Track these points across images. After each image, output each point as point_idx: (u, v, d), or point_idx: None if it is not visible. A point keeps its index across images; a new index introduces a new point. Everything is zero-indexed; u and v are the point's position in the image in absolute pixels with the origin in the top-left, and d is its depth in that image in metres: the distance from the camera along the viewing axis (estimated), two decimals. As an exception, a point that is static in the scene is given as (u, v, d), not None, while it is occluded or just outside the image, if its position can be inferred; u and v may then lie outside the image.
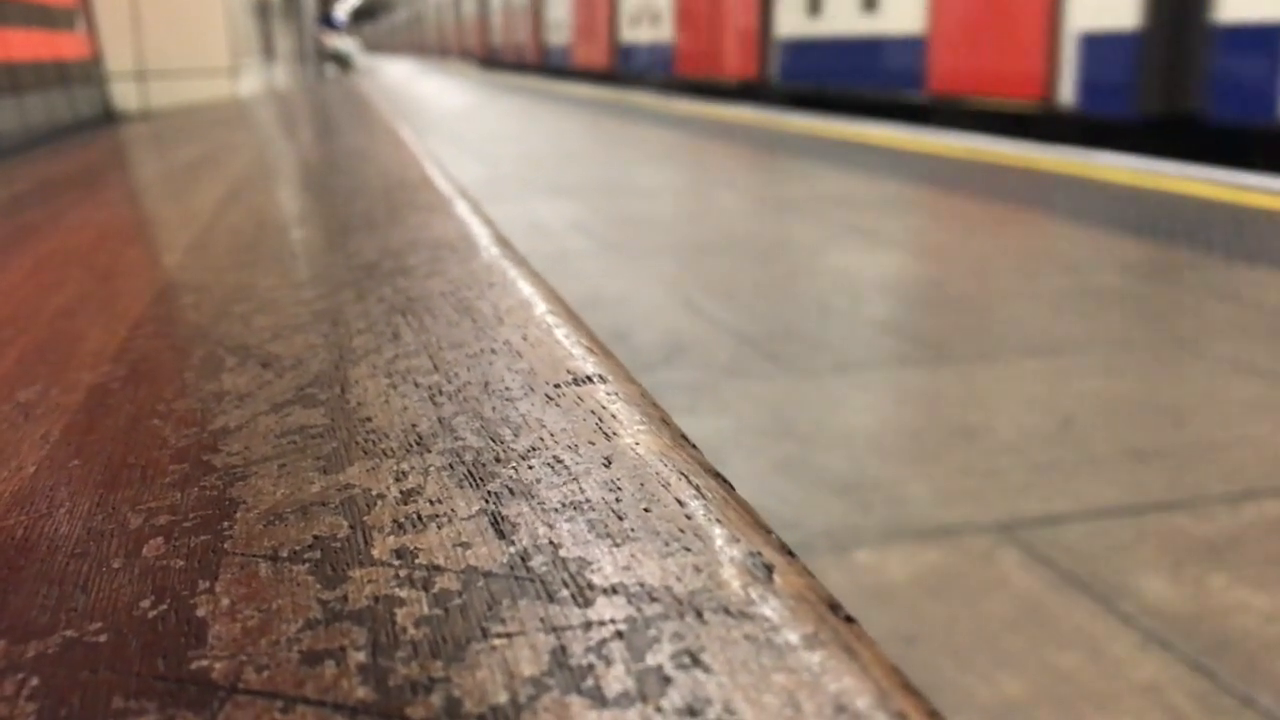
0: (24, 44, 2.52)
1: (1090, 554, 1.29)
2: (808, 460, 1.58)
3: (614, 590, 0.24)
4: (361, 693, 0.22)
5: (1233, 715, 1.00)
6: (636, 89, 12.49)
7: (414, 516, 0.30)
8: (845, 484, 1.50)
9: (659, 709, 0.20)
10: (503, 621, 0.24)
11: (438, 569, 0.27)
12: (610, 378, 0.39)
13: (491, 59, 23.05)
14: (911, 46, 6.88)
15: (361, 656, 0.24)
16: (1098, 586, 1.22)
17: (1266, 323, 2.18)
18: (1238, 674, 1.06)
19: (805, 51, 8.66)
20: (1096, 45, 5.24)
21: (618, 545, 0.27)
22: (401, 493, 0.32)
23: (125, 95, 3.59)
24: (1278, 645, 1.10)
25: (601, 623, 0.23)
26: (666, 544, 0.26)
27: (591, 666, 0.22)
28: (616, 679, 0.21)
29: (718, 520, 0.27)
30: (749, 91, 10.08)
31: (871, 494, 1.46)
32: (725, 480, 0.30)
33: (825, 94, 8.52)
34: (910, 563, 1.28)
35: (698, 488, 0.29)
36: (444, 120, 8.36)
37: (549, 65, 17.23)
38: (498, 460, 0.33)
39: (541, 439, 0.34)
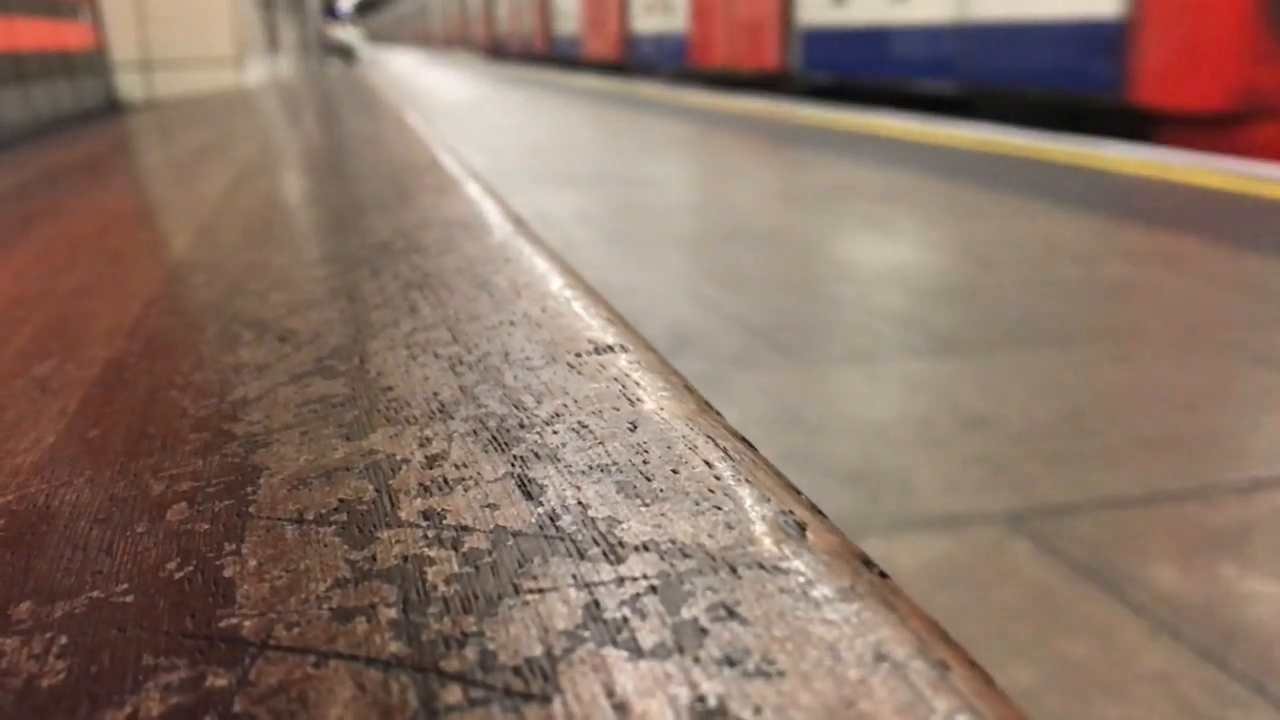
0: (30, 34, 2.52)
1: (1101, 543, 1.29)
2: (815, 449, 1.58)
3: (645, 547, 0.24)
4: (394, 647, 0.22)
5: (1243, 705, 1.00)
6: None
7: (440, 480, 0.30)
8: (853, 473, 1.50)
9: (697, 659, 0.20)
10: (534, 578, 0.24)
11: (466, 529, 0.27)
12: (631, 347, 0.39)
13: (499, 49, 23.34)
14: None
15: (393, 613, 0.24)
16: (1108, 575, 1.22)
17: None
18: (1249, 663, 1.05)
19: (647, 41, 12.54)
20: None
21: (647, 505, 0.26)
22: (426, 457, 0.32)
23: (130, 85, 3.59)
24: (1288, 633, 1.09)
25: (634, 578, 0.23)
26: (696, 503, 0.26)
27: (626, 620, 0.22)
28: (652, 631, 0.21)
29: (747, 480, 0.27)
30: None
31: (879, 483, 1.46)
32: (751, 444, 0.30)
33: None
34: (919, 552, 1.28)
35: (725, 450, 0.29)
36: (450, 112, 8.35)
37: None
38: (522, 426, 0.33)
39: (565, 405, 0.34)
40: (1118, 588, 1.18)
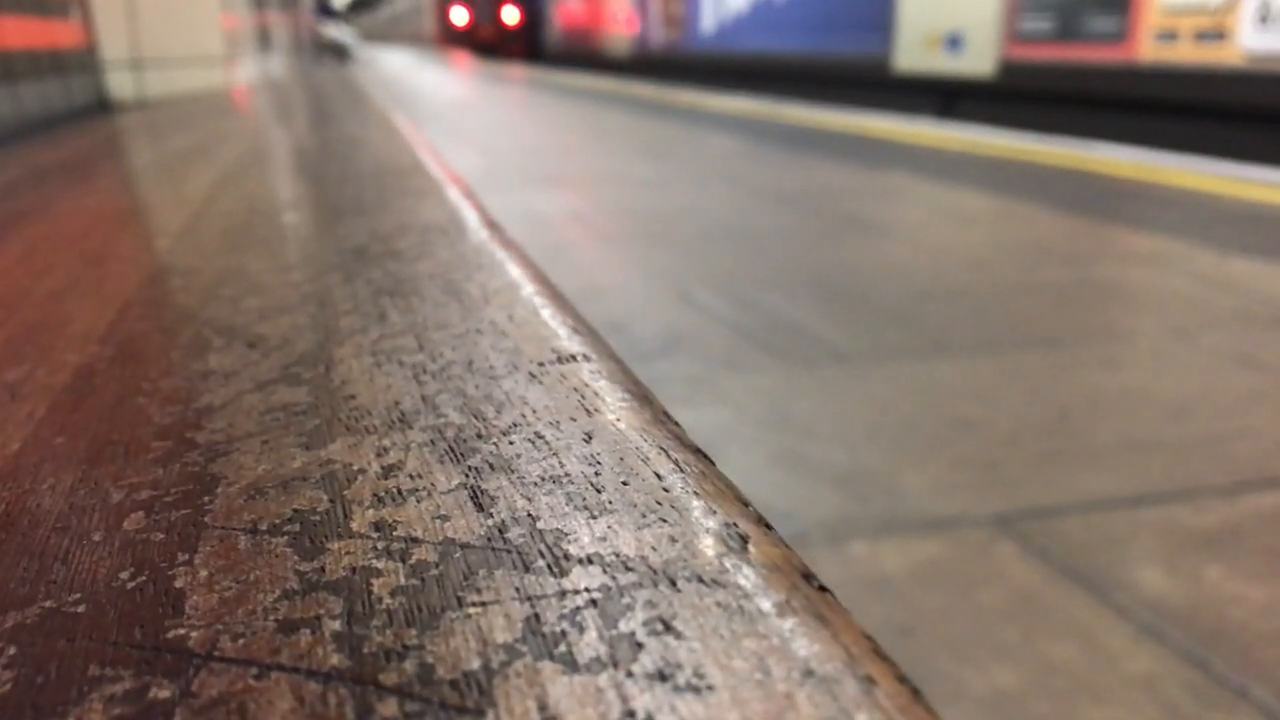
0: (19, 32, 2.51)
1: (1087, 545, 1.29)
2: (804, 452, 1.58)
3: (590, 560, 0.25)
4: (335, 660, 0.22)
5: (1227, 708, 1.00)
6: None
7: (394, 491, 0.30)
8: (841, 475, 1.50)
9: (630, 674, 0.20)
10: (478, 591, 0.24)
11: (415, 541, 0.27)
12: (594, 356, 0.39)
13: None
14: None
15: (337, 625, 0.24)
16: (1094, 578, 1.22)
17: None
18: (1233, 666, 1.06)
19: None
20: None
21: (595, 517, 0.27)
22: (382, 468, 0.32)
23: (120, 84, 3.58)
24: (1273, 637, 1.10)
25: (576, 591, 0.23)
26: (643, 515, 0.26)
27: (564, 633, 0.22)
28: (589, 645, 0.21)
29: (695, 493, 0.27)
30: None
31: (868, 485, 1.47)
32: (705, 455, 0.30)
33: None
34: (906, 555, 1.28)
35: (677, 462, 0.29)
36: (442, 111, 8.34)
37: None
38: (479, 436, 0.33)
39: (523, 415, 0.34)
40: (1103, 590, 1.19)
